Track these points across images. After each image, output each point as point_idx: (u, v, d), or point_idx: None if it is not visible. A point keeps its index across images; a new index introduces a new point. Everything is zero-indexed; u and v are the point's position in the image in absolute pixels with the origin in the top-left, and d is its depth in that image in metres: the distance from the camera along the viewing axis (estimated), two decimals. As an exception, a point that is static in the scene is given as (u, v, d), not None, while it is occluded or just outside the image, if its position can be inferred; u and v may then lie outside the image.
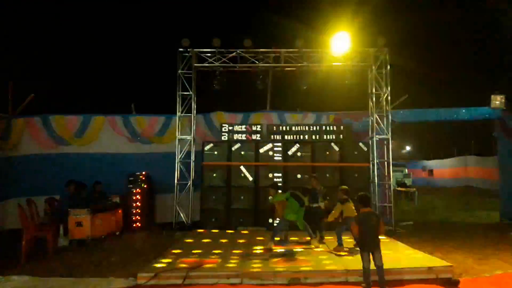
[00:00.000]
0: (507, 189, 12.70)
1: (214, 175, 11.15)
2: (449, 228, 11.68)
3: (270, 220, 10.79)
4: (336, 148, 11.31)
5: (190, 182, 11.57)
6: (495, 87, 12.29)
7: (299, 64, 11.61)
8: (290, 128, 11.96)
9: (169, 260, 7.12)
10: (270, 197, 8.97)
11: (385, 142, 11.73)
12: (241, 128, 11.95)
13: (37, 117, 12.23)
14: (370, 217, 5.78)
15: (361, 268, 5.85)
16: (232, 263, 6.93)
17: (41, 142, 12.14)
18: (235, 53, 11.49)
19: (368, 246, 5.71)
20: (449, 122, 13.15)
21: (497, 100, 11.98)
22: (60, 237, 9.22)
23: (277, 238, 8.38)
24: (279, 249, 8.05)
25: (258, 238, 9.36)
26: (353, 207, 8.34)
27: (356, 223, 5.86)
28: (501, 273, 6.68)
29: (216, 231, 10.46)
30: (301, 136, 11.86)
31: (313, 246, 8.37)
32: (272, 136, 11.84)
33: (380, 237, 5.78)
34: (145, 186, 11.62)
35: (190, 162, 11.72)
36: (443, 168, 38.19)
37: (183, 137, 11.76)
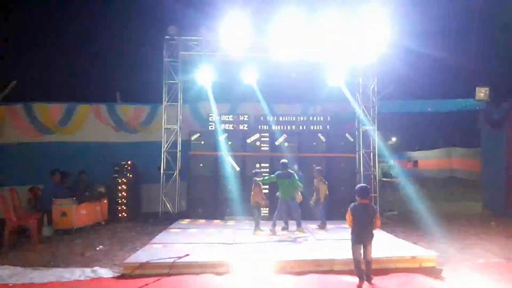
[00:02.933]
0: (489, 180, 12.94)
1: (201, 164, 11.10)
2: (432, 218, 11.86)
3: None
4: (323, 139, 11.36)
5: (176, 172, 11.50)
6: (480, 80, 12.45)
7: (288, 54, 11.52)
8: (278, 119, 11.94)
9: (155, 250, 7.09)
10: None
11: (371, 133, 11.81)
12: (228, 118, 11.88)
13: (20, 105, 12.00)
14: (367, 209, 5.62)
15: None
16: (219, 253, 6.93)
17: (24, 131, 11.94)
18: (222, 41, 11.35)
19: (360, 238, 5.59)
20: (434, 114, 13.31)
21: (482, 93, 12.14)
22: (44, 226, 9.11)
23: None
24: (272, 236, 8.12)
25: (244, 227, 9.37)
26: None
27: (351, 213, 5.67)
28: (483, 261, 6.83)
29: (203, 220, 10.45)
30: (288, 127, 11.86)
31: (299, 234, 8.48)
32: (259, 126, 11.81)
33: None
34: (130, 175, 11.53)
35: (177, 151, 11.64)
36: (428, 159, 38.72)
37: (170, 126, 11.65)
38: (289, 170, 8.78)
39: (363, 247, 5.58)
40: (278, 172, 8.85)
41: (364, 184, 6.23)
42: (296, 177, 8.78)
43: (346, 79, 11.70)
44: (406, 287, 5.61)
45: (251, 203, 8.93)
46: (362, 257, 5.62)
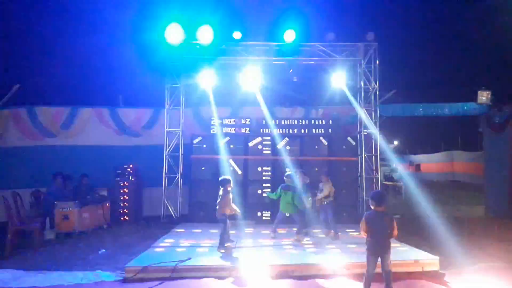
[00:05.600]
0: (492, 184, 12.89)
1: (203, 168, 11.10)
2: (435, 221, 11.82)
3: (259, 214, 10.84)
4: (325, 142, 11.36)
5: (178, 175, 11.51)
6: (482, 83, 12.45)
7: (289, 58, 11.55)
8: (279, 122, 11.95)
9: (157, 254, 7.09)
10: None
11: (373, 137, 11.81)
12: (230, 121, 11.90)
13: (23, 108, 12.04)
14: (382, 217, 5.17)
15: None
16: (220, 257, 6.93)
17: (27, 134, 11.97)
18: (224, 45, 11.39)
19: (376, 249, 5.16)
20: (436, 117, 13.26)
21: (484, 96, 12.14)
22: (47, 230, 9.13)
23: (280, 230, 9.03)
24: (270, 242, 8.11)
25: (246, 231, 9.37)
26: None
27: (365, 222, 5.21)
28: (486, 265, 6.80)
29: (205, 224, 10.44)
30: (290, 130, 11.87)
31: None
32: (261, 129, 11.82)
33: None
34: (132, 179, 11.54)
35: (179, 155, 11.66)
36: (430, 163, 38.66)
37: (172, 130, 11.69)
38: (289, 184, 8.56)
39: (380, 258, 5.16)
40: (282, 184, 8.73)
41: (379, 190, 5.90)
42: (296, 190, 8.49)
43: (348, 83, 11.70)
44: (408, 291, 5.59)
45: (218, 215, 7.59)
46: (380, 269, 5.17)
